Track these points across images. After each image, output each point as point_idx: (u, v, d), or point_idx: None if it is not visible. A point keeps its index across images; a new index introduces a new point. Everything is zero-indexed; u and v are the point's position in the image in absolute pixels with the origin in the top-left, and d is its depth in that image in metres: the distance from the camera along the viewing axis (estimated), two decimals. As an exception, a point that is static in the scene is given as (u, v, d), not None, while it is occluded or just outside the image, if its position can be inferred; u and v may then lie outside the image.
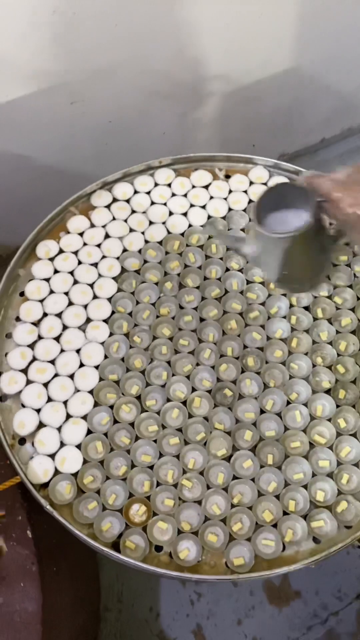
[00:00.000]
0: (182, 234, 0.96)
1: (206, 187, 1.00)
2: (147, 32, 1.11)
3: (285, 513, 0.75)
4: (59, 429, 0.80)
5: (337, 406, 0.81)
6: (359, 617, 1.30)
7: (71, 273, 0.91)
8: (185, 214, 0.98)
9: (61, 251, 0.93)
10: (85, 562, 1.18)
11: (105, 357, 0.85)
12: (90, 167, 1.36)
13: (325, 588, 1.33)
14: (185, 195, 0.99)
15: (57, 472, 0.77)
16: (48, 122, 1.18)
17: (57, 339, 0.86)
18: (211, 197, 0.99)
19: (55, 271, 0.91)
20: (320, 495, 0.76)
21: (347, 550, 1.36)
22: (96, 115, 1.24)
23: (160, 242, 0.95)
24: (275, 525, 0.74)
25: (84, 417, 0.81)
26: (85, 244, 0.94)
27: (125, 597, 1.32)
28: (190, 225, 0.96)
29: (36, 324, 0.87)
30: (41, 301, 0.89)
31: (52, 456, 0.78)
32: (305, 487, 0.76)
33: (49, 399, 0.81)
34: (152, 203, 0.99)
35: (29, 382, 0.83)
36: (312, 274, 0.66)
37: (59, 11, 0.99)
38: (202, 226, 0.96)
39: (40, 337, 0.86)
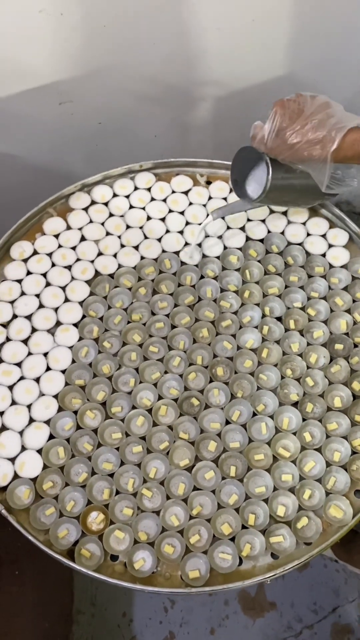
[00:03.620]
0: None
1: (186, 192, 0.99)
2: (136, 34, 1.10)
3: (244, 527, 0.74)
4: (21, 432, 0.79)
5: (304, 419, 0.80)
6: (333, 631, 1.29)
7: (44, 275, 0.91)
8: (163, 219, 0.97)
9: (35, 252, 0.93)
10: (55, 565, 1.17)
11: (73, 361, 0.84)
12: (82, 168, 1.34)
13: (301, 600, 1.32)
14: (164, 200, 0.98)
15: (16, 476, 0.76)
16: (35, 122, 1.18)
17: (26, 341, 0.85)
18: (190, 203, 0.98)
19: (28, 273, 0.91)
20: (281, 510, 0.75)
21: (324, 563, 1.35)
22: (86, 116, 1.23)
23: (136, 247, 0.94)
24: (233, 539, 0.73)
25: (47, 422, 0.80)
26: (60, 246, 0.93)
27: (98, 601, 1.31)
28: (167, 231, 0.96)
29: (5, 325, 0.87)
30: (12, 302, 0.88)
31: (12, 460, 0.77)
32: (266, 501, 0.75)
33: (13, 402, 0.81)
34: (131, 207, 0.98)
35: (-6, 384, 0.82)
36: (303, 196, 0.86)
37: (46, 11, 0.98)
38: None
39: (8, 339, 0.85)
